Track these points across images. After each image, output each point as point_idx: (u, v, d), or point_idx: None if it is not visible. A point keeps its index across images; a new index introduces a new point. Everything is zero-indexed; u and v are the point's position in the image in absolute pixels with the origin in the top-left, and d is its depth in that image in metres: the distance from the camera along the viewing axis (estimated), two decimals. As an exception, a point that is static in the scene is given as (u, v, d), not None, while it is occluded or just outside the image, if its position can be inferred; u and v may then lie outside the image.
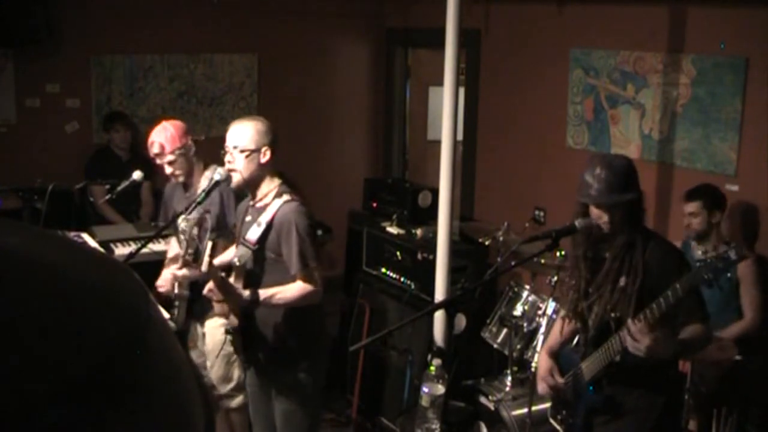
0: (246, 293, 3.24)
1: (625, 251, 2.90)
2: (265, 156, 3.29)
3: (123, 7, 6.01)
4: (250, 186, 3.36)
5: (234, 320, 3.34)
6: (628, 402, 2.98)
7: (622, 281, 2.89)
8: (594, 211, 2.92)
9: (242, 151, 3.27)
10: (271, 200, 3.32)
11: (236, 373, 3.91)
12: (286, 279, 3.29)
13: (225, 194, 3.73)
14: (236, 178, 3.32)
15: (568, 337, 3.30)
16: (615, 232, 2.90)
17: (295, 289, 3.28)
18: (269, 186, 3.35)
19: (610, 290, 2.92)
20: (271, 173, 3.35)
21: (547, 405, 3.99)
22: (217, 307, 3.45)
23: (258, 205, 3.36)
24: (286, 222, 3.25)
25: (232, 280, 3.30)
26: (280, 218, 3.26)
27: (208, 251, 3.20)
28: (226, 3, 6.38)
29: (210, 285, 3.24)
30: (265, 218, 3.29)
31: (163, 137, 3.77)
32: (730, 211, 4.27)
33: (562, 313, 3.39)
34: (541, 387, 3.23)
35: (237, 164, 3.28)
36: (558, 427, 3.27)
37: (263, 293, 3.26)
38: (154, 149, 3.79)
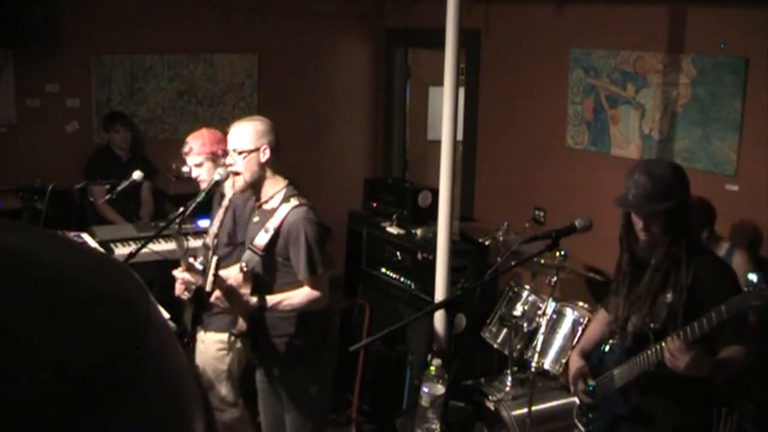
0: (253, 300, 3.26)
1: (670, 263, 2.81)
2: (265, 154, 3.28)
3: (123, 7, 6.01)
4: (254, 187, 3.35)
5: (242, 324, 3.37)
6: (658, 414, 2.92)
7: (669, 296, 2.81)
8: (633, 219, 2.87)
9: (241, 153, 3.27)
10: (279, 204, 3.31)
11: (224, 390, 3.91)
12: (295, 282, 3.31)
13: (238, 210, 3.75)
14: (239, 182, 3.32)
15: (600, 339, 3.23)
16: (654, 242, 2.83)
17: (301, 295, 3.30)
18: (274, 187, 3.34)
19: (651, 302, 2.85)
20: (274, 172, 3.35)
21: (548, 405, 4.00)
22: (226, 311, 3.46)
23: (265, 207, 3.35)
24: (294, 229, 3.25)
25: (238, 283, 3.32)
26: (289, 224, 3.27)
27: (212, 269, 3.22)
28: (226, 3, 6.38)
29: (217, 293, 3.25)
30: (273, 224, 3.29)
31: (193, 140, 3.87)
32: (733, 213, 4.26)
33: (598, 314, 3.36)
34: (573, 389, 3.19)
35: (238, 166, 3.28)
36: (582, 429, 3.25)
37: (270, 300, 3.28)
38: (185, 148, 3.88)
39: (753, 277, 2.55)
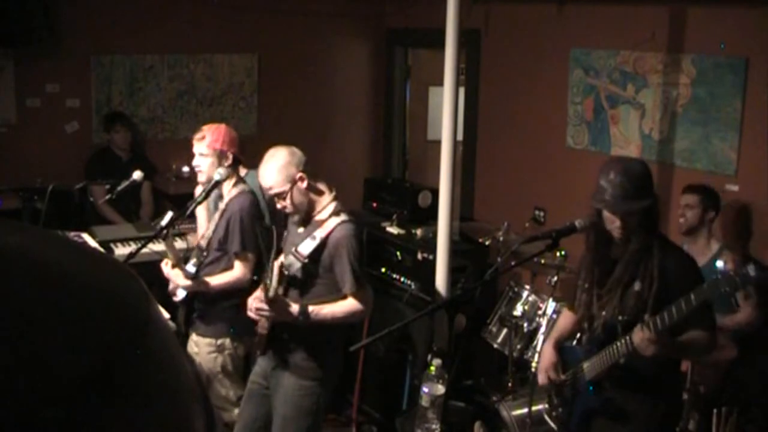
0: (295, 309, 3.26)
1: (639, 257, 2.88)
2: (303, 182, 3.33)
3: (123, 7, 6.01)
4: (306, 212, 3.40)
5: (264, 324, 3.36)
6: (628, 407, 2.96)
7: (637, 286, 2.87)
8: (607, 216, 2.90)
9: (284, 196, 3.33)
10: (328, 217, 3.36)
11: (224, 389, 3.91)
12: (331, 293, 3.33)
13: (234, 217, 3.76)
14: (296, 217, 3.41)
15: (573, 331, 3.27)
16: (628, 238, 2.89)
17: (345, 306, 3.32)
18: (322, 203, 3.40)
19: (621, 294, 2.91)
20: (316, 192, 3.39)
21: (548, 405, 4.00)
22: (251, 313, 3.42)
23: (316, 218, 3.40)
24: (341, 244, 3.30)
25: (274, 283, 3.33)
26: (337, 238, 3.31)
27: (276, 275, 3.23)
28: (226, 3, 6.38)
29: (258, 297, 3.24)
30: (320, 234, 3.33)
31: (210, 130, 3.82)
32: (726, 209, 4.28)
33: (570, 306, 3.37)
34: (541, 378, 3.21)
35: (289, 207, 3.35)
36: (552, 424, 3.26)
37: (312, 309, 3.28)
38: (198, 134, 3.84)
39: (719, 263, 2.60)
